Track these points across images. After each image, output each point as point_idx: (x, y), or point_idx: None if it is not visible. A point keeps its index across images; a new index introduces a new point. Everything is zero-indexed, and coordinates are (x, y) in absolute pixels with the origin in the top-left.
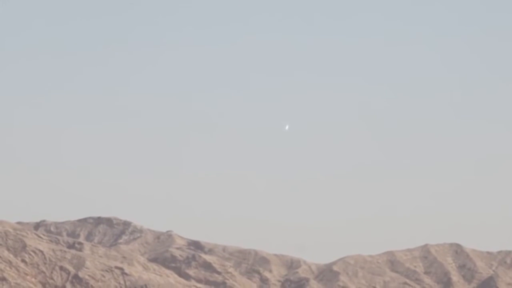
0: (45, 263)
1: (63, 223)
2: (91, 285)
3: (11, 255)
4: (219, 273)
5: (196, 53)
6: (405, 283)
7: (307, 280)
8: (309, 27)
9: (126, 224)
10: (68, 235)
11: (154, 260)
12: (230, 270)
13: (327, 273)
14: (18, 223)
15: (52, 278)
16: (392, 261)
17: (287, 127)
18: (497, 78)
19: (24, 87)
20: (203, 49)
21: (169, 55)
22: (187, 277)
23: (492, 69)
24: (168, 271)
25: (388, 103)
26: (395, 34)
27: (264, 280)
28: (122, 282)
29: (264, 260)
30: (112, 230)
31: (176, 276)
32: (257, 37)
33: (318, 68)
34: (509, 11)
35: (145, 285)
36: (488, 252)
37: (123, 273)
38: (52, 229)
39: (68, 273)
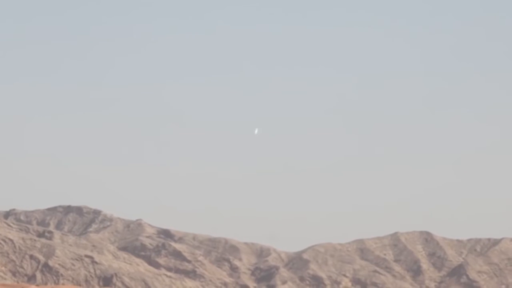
0: (15, 252)
1: (33, 212)
2: (61, 274)
3: None
4: (189, 261)
5: (170, 44)
6: (375, 271)
7: (277, 268)
8: (283, 18)
9: (96, 212)
10: (38, 224)
11: (124, 248)
12: (200, 258)
13: (297, 261)
14: None
15: (22, 267)
16: (362, 249)
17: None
18: (471, 69)
19: None
20: (177, 40)
21: (142, 46)
22: (157, 265)
23: (466, 59)
24: (138, 260)
25: (361, 95)
26: (369, 25)
27: (234, 269)
28: (92, 270)
29: (234, 249)
30: (82, 219)
31: (146, 264)
32: (230, 28)
33: (292, 59)
34: (484, 1)
35: (115, 274)
36: (458, 240)
37: (93, 261)
38: (22, 218)
39: (38, 262)
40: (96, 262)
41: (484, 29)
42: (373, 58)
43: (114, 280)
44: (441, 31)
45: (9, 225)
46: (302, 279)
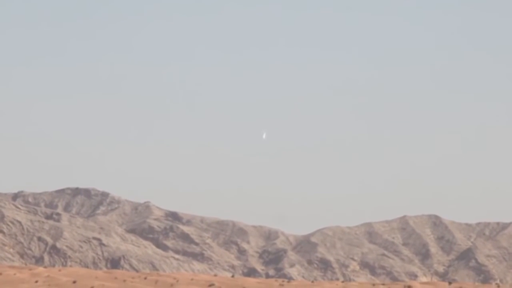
0: (23, 234)
1: (41, 194)
2: (69, 256)
3: None
4: (196, 244)
5: (178, 25)
6: (383, 254)
7: (285, 251)
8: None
9: (104, 195)
10: (46, 206)
11: (131, 231)
12: (208, 241)
13: (305, 245)
14: None
15: (30, 249)
16: (370, 232)
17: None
18: (477, 49)
19: (3, 58)
20: (185, 20)
21: (150, 26)
22: (164, 248)
23: (472, 40)
24: (146, 242)
25: (367, 76)
26: (375, 6)
27: (242, 251)
28: (100, 252)
29: (242, 231)
30: (90, 201)
31: (154, 247)
32: (238, 9)
33: (299, 40)
34: None
35: (123, 256)
36: (466, 224)
37: (101, 243)
38: (30, 199)
39: (46, 243)
40: (104, 244)
41: (489, 9)
42: (380, 38)
43: (122, 262)
44: (447, 10)
45: (17, 207)
46: (310, 262)
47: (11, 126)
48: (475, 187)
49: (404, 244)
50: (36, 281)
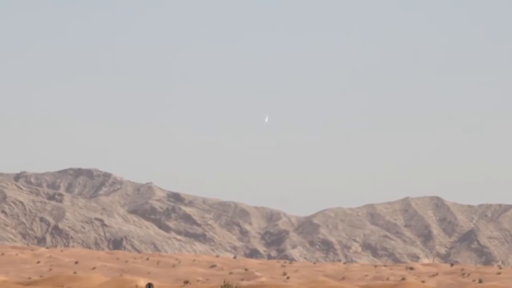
0: (25, 214)
1: (43, 174)
2: (71, 237)
3: None
4: (199, 225)
5: (177, 8)
6: (385, 236)
7: (287, 232)
8: None
9: (106, 175)
10: (48, 186)
11: (134, 211)
12: (210, 222)
13: (307, 226)
14: None
15: (32, 229)
16: (372, 214)
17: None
18: (483, 35)
19: (4, 43)
20: (184, 4)
21: (153, 11)
22: (167, 229)
23: (479, 26)
24: (148, 223)
25: (370, 60)
26: None
27: (244, 233)
28: (102, 233)
29: (244, 213)
30: (92, 182)
31: (156, 228)
32: None
33: (308, 25)
34: None
35: (125, 237)
36: (469, 206)
37: (103, 224)
38: (32, 180)
39: (48, 224)
40: (106, 225)
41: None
42: (382, 23)
43: (124, 243)
44: None
45: (19, 188)
46: (312, 243)
47: (13, 107)
48: (477, 169)
49: (406, 226)
50: (38, 262)
